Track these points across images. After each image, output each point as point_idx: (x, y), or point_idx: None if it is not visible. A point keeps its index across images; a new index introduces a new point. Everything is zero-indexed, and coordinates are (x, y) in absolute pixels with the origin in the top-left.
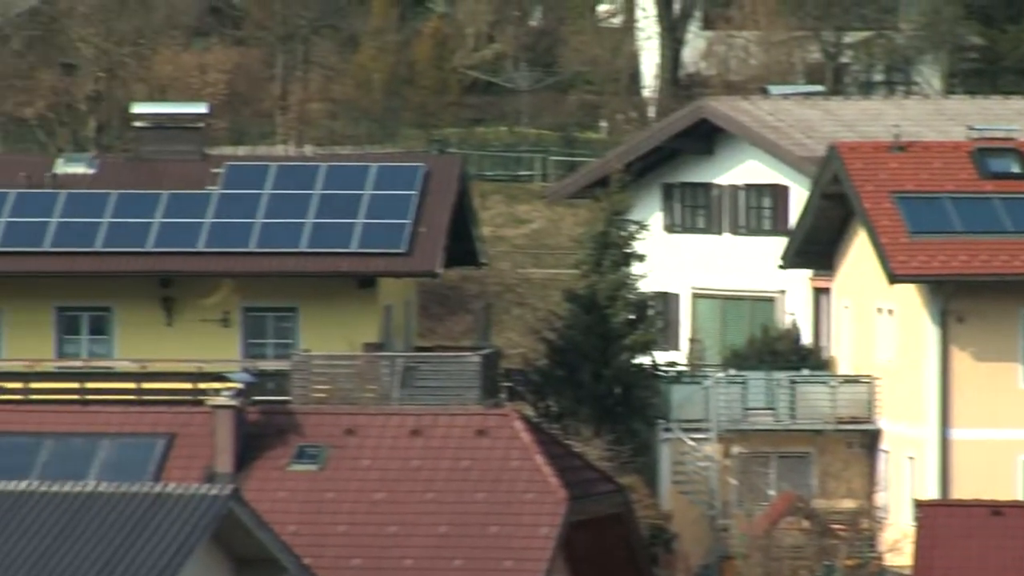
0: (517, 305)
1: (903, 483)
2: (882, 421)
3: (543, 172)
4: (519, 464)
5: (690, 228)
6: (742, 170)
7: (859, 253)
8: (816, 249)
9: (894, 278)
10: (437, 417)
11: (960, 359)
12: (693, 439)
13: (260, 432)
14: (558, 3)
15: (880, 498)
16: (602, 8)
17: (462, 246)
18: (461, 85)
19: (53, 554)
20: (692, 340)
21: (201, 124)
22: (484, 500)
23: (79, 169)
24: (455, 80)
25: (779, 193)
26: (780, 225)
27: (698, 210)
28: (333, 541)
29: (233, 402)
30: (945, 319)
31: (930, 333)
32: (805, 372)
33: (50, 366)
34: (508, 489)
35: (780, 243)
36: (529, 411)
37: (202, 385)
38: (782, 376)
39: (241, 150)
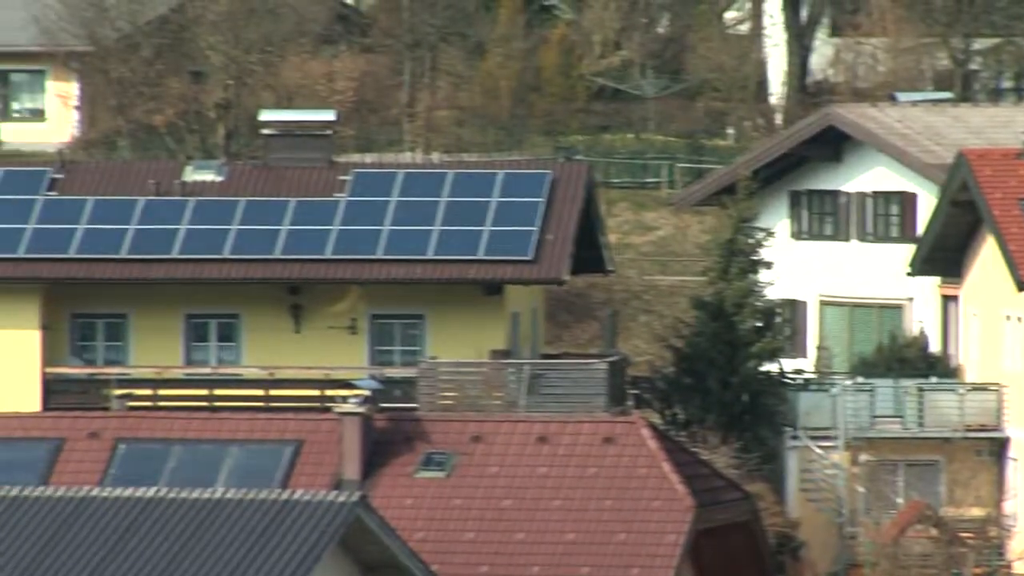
0: (644, 312)
1: None
2: (1010, 429)
3: (670, 179)
4: (646, 471)
5: (817, 235)
6: (870, 177)
7: (987, 260)
8: (944, 256)
9: (1023, 285)
10: (564, 424)
11: None
12: (820, 447)
13: (387, 439)
14: (685, 10)
15: (1009, 506)
16: (729, 15)
17: (589, 253)
18: (588, 92)
19: (182, 560)
20: (819, 347)
21: (329, 131)
22: (611, 507)
23: (208, 176)
24: (582, 87)
25: (907, 200)
26: (908, 232)
27: (825, 217)
28: (460, 548)
29: (360, 409)
30: None
31: None
32: (933, 380)
33: (179, 373)
34: (635, 496)
35: (908, 250)
36: (656, 418)
37: (329, 392)
38: (910, 384)
39: (368, 157)
